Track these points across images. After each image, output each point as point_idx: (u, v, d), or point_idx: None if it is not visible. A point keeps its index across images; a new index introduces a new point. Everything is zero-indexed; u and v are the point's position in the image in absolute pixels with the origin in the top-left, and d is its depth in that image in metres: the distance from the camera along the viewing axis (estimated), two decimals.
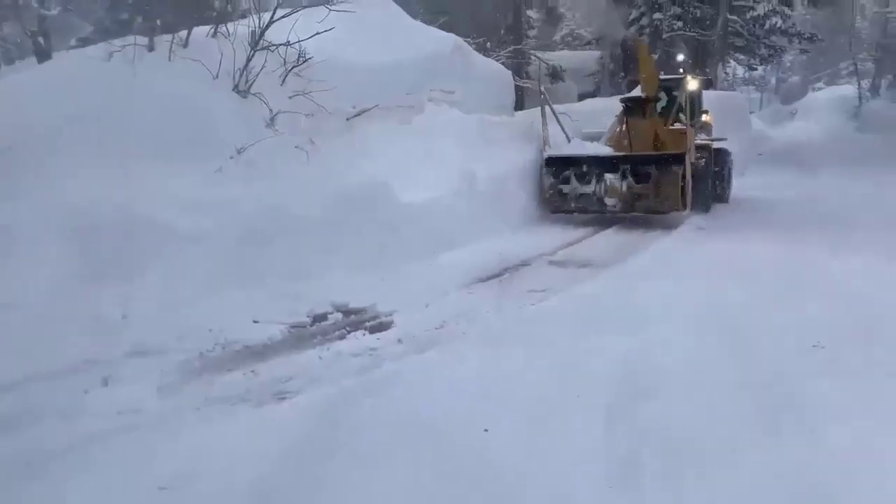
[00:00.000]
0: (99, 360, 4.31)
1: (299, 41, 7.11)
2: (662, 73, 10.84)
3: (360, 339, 4.57)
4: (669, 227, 9.42)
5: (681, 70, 10.69)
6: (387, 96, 9.02)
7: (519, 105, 25.83)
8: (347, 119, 8.14)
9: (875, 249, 6.55)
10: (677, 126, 9.22)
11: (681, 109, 9.44)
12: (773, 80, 51.61)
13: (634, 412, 3.07)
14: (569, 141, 9.59)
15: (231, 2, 10.27)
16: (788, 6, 21.76)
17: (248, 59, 6.72)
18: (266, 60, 6.88)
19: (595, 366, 3.69)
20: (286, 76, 7.29)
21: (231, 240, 5.58)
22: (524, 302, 5.42)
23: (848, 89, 30.12)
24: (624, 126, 9.14)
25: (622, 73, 25.59)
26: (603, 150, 9.00)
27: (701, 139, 9.96)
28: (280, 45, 7.00)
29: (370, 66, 8.90)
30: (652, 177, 8.23)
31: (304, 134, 7.29)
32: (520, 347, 4.08)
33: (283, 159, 6.87)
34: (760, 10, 21.16)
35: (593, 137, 9.98)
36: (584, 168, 8.53)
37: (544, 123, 9.44)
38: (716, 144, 10.51)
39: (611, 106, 18.42)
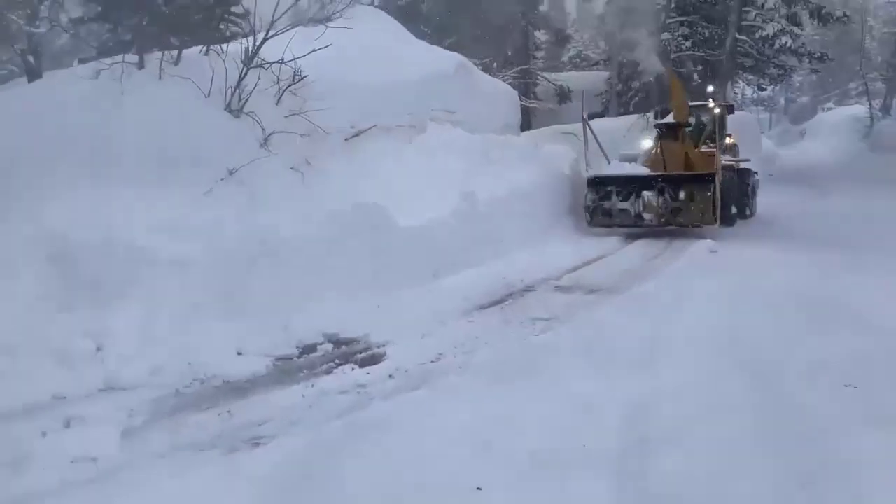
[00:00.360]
0: (68, 396, 4.01)
1: (294, 59, 6.86)
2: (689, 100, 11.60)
3: (348, 374, 4.23)
4: (681, 249, 9.09)
5: (710, 99, 11.87)
6: (387, 116, 8.77)
7: (526, 126, 25.74)
8: (346, 139, 7.88)
9: None
10: (705, 149, 10.06)
11: (709, 134, 10.31)
12: (782, 101, 51.39)
13: (647, 468, 2.71)
14: (608, 162, 10.42)
15: (226, 21, 10.13)
16: (798, 25, 21.52)
17: (241, 77, 6.47)
18: (259, 78, 6.63)
19: (603, 409, 3.34)
20: (281, 95, 7.04)
21: (217, 266, 5.28)
22: (527, 332, 5.07)
23: (858, 109, 29.79)
24: (658, 149, 9.92)
25: (649, 100, 25.36)
26: (640, 170, 9.77)
27: (726, 160, 10.62)
28: (274, 62, 6.74)
29: (370, 85, 8.66)
30: (686, 194, 9.00)
31: (299, 154, 7.02)
32: (521, 386, 3.73)
33: (276, 181, 6.59)
34: (770, 29, 20.92)
35: (630, 159, 10.68)
36: (624, 186, 9.36)
37: (586, 146, 10.42)
38: (742, 165, 11.30)
39: (618, 125, 18.29)
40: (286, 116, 7.04)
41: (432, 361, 4.42)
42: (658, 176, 9.46)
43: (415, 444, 3.05)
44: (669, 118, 10.76)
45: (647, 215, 9.30)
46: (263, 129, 6.52)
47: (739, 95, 30.14)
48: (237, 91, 6.58)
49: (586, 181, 9.74)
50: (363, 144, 8.13)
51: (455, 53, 11.59)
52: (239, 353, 4.70)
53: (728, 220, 9.88)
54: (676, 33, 23.73)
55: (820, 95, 48.38)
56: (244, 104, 6.58)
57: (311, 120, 7.19)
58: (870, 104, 26.72)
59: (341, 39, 8.64)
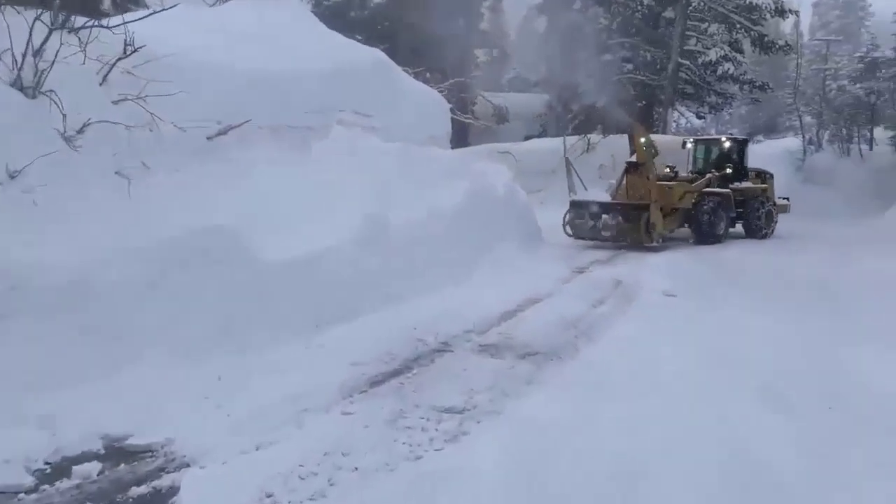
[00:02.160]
0: None
1: (125, 23, 4.92)
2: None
3: None
4: (632, 290, 7.59)
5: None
6: (275, 113, 6.90)
7: (463, 143, 24.30)
8: (208, 138, 5.94)
9: None
10: (662, 183, 12.07)
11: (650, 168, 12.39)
12: (713, 132, 52.28)
13: None
14: (586, 189, 12.93)
15: None
16: (740, 52, 21.00)
17: (32, 42, 4.47)
18: (62, 43, 4.62)
19: None
20: (108, 72, 5.06)
21: None
22: (426, 440, 3.25)
23: (790, 142, 29.90)
24: (624, 181, 12.23)
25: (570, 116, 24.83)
26: (605, 197, 12.15)
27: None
28: (86, 25, 4.75)
29: (253, 73, 6.75)
30: (630, 217, 11.23)
31: (132, 155, 5.06)
32: None
33: (88, 190, 4.61)
34: (713, 55, 20.29)
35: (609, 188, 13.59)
36: (591, 209, 11.68)
37: (569, 177, 13.37)
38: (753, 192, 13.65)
39: (553, 146, 17.47)
40: (115, 102, 5.07)
41: None
42: (611, 203, 11.79)
43: None
44: (634, 157, 12.89)
45: (605, 233, 11.39)
46: (63, 116, 4.51)
47: (675, 124, 29.77)
48: (34, 60, 4.57)
49: (569, 203, 12.38)
50: (238, 148, 6.21)
51: (374, 49, 9.84)
52: None
53: (709, 239, 12.08)
54: (618, 55, 22.90)
55: (749, 128, 49.44)
56: (42, 79, 4.57)
57: (155, 110, 5.23)
58: (803, 137, 26.68)
59: (225, 18, 6.84)
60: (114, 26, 4.89)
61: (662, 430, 3.17)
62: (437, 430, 3.36)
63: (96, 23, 4.79)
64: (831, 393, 3.71)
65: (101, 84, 5.04)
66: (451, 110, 13.97)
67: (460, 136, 25.19)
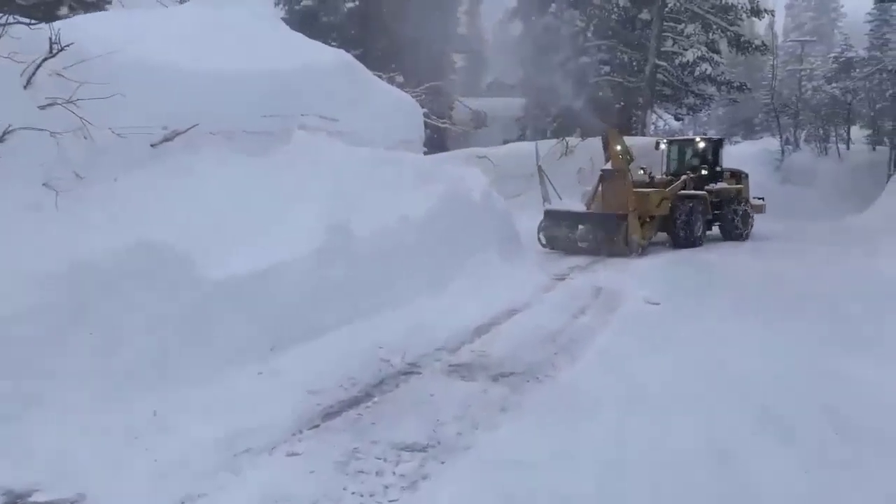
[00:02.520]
0: None
1: (48, 20, 4.46)
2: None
3: None
4: (614, 298, 7.25)
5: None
6: (231, 117, 6.43)
7: (440, 148, 23.87)
8: (153, 145, 5.47)
9: None
10: (639, 190, 11.62)
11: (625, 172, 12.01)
12: (692, 133, 52.49)
13: None
14: (560, 199, 12.34)
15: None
16: (717, 53, 20.89)
17: None
18: None
19: None
20: (34, 73, 4.57)
21: None
22: (383, 488, 2.82)
23: (768, 142, 30.01)
24: (600, 189, 11.96)
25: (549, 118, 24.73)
26: (580, 206, 11.97)
27: (685, 192, 12.65)
28: (3, 22, 4.27)
29: (204, 73, 6.28)
30: (608, 228, 10.82)
31: (62, 165, 4.58)
32: None
33: (4, 204, 4.12)
34: (690, 56, 20.14)
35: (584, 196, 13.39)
36: (567, 219, 11.37)
37: (543, 186, 12.35)
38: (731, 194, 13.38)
39: (532, 150, 17.53)
40: (42, 108, 4.58)
41: None
42: (587, 214, 11.55)
43: None
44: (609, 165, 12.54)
45: (581, 244, 11.01)
46: None
47: (652, 127, 29.68)
48: None
49: (543, 212, 11.84)
50: (183, 154, 5.74)
51: (340, 50, 9.39)
52: None
53: (688, 243, 11.67)
54: (595, 57, 22.70)
55: (726, 129, 49.77)
56: None
57: (91, 116, 4.76)
58: (781, 137, 26.74)
59: (169, 16, 6.38)
60: (32, 23, 4.40)
61: (650, 465, 2.77)
62: (394, 473, 2.93)
63: (15, 19, 4.29)
64: (835, 413, 3.35)
65: (25, 87, 4.55)
66: (427, 115, 13.56)
67: (438, 142, 24.82)
